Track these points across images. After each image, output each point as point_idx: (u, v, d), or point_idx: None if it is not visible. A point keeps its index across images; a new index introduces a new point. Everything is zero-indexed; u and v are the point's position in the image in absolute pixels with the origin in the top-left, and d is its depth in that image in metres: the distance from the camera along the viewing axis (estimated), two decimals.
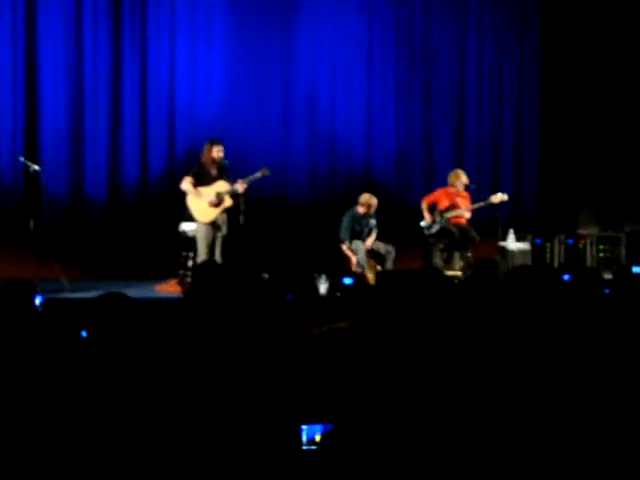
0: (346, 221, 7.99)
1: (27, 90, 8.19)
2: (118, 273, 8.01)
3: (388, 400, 2.06)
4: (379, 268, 7.82)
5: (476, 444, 1.90)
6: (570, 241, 8.87)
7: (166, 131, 8.65)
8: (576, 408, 2.10)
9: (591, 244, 8.93)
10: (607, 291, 3.80)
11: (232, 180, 7.31)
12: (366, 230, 8.00)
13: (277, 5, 8.90)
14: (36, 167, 7.10)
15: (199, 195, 7.27)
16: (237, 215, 7.29)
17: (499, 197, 8.21)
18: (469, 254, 8.14)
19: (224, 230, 7.34)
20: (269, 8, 8.85)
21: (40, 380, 2.34)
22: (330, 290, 5.67)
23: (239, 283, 3.50)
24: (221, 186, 7.30)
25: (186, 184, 7.32)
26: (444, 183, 8.44)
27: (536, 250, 8.68)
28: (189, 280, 6.95)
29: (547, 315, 2.79)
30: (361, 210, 7.97)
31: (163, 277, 7.46)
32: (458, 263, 8.20)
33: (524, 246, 8.58)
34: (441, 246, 8.23)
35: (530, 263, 8.28)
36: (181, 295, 6.77)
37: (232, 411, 2.29)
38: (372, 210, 7.97)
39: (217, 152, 7.38)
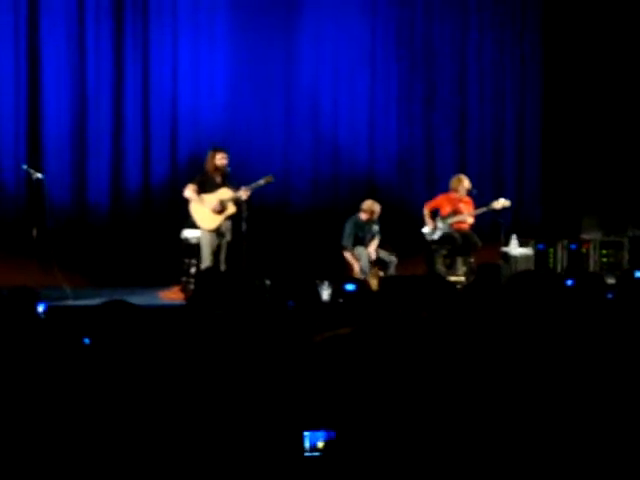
0: (349, 227, 7.99)
1: (29, 97, 8.21)
2: (121, 280, 8.01)
3: (391, 407, 2.05)
4: (382, 274, 7.82)
5: (479, 450, 1.89)
6: (573, 246, 8.86)
7: (168, 137, 8.66)
8: (580, 412, 2.09)
9: (594, 249, 8.92)
10: (610, 296, 3.79)
11: (235, 187, 7.32)
12: (369, 236, 8.00)
13: (279, 8, 8.91)
14: (39, 175, 7.12)
15: (202, 202, 7.28)
16: (240, 222, 7.30)
17: (501, 202, 8.21)
18: (472, 260, 8.13)
19: (228, 237, 7.34)
20: (271, 11, 8.86)
21: (43, 387, 2.34)
22: (333, 296, 5.67)
23: (242, 290, 3.50)
24: (224, 193, 7.30)
25: (189, 191, 7.33)
26: (446, 188, 8.43)
27: (539, 255, 8.67)
28: (192, 287, 6.96)
29: (550, 320, 2.78)
30: (364, 216, 7.97)
31: (166, 284, 7.47)
32: (461, 269, 8.19)
33: (527, 251, 8.57)
34: (444, 252, 8.22)
35: (533, 268, 8.26)
36: (184, 302, 6.77)
37: (235, 417, 2.29)
38: (375, 217, 7.97)
39: (220, 159, 7.39)
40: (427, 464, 1.82)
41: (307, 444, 2.21)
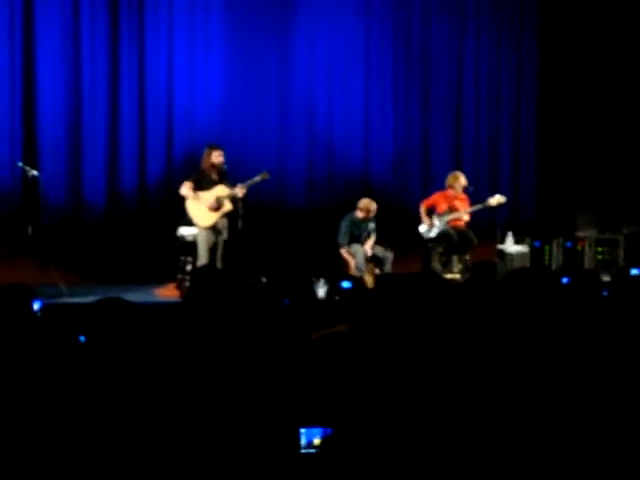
0: (344, 225, 7.99)
1: (24, 95, 8.18)
2: (117, 278, 8.00)
3: (387, 404, 2.05)
4: (378, 272, 7.82)
5: (476, 447, 1.90)
6: (568, 244, 8.87)
7: (164, 135, 8.65)
8: (575, 410, 2.10)
9: (589, 246, 8.94)
10: (605, 293, 3.80)
11: (231, 184, 7.32)
12: (365, 234, 8.00)
13: (274, 8, 8.91)
14: (34, 172, 7.10)
15: (198, 200, 7.27)
16: (235, 219, 7.30)
17: (497, 199, 8.22)
18: (468, 257, 8.14)
19: (225, 235, 7.34)
20: (266, 11, 8.86)
21: (38, 385, 2.34)
22: (329, 294, 5.67)
23: (238, 287, 3.50)
24: (220, 190, 7.30)
25: (185, 189, 7.33)
26: (442, 187, 8.44)
27: (535, 253, 8.69)
28: (187, 284, 6.96)
29: (546, 318, 2.79)
30: (360, 215, 7.97)
31: (162, 281, 7.46)
32: (457, 266, 8.20)
33: (523, 249, 8.59)
34: (440, 249, 8.23)
35: (528, 266, 8.27)
36: (179, 299, 6.77)
37: (231, 415, 2.29)
38: (371, 215, 7.98)
39: (217, 157, 7.39)
40: (424, 462, 1.82)
41: (303, 441, 2.21)
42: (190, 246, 7.37)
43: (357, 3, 9.24)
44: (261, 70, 8.89)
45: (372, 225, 8.02)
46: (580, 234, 9.22)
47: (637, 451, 1.96)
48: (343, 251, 7.96)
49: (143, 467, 2.20)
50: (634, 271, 4.61)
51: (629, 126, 9.62)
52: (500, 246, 8.47)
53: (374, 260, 7.94)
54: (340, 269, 7.90)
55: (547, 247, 8.81)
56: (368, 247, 7.95)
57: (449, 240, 8.14)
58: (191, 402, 2.33)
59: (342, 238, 7.97)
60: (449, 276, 7.71)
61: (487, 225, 8.66)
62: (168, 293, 7.16)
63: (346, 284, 4.89)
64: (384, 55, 9.36)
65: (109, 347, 2.63)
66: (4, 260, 7.47)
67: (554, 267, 8.64)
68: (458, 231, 8.17)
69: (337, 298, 5.14)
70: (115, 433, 2.22)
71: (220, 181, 7.36)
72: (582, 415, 2.08)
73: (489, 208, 8.30)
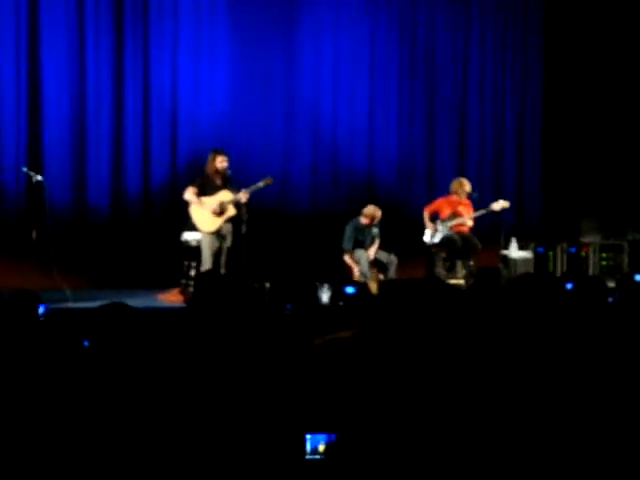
0: (349, 231, 7.99)
1: (30, 100, 8.21)
2: (120, 282, 8.01)
3: (391, 410, 2.05)
4: (382, 277, 7.82)
5: (480, 452, 1.89)
6: (573, 249, 8.86)
7: (168, 140, 8.67)
8: (580, 416, 2.09)
9: (594, 252, 8.92)
10: (611, 299, 3.79)
11: (235, 190, 7.33)
12: (369, 239, 8.00)
13: (279, 14, 8.93)
14: (39, 177, 7.12)
15: (202, 205, 7.28)
16: (239, 224, 7.30)
17: (500, 204, 8.21)
18: (471, 262, 8.13)
19: (229, 240, 7.35)
20: (271, 16, 8.88)
21: (42, 390, 2.34)
22: (332, 299, 5.67)
23: (241, 292, 3.50)
24: (224, 196, 7.31)
25: (189, 194, 7.34)
26: (446, 192, 8.44)
27: (539, 258, 8.67)
28: (191, 289, 6.96)
29: (550, 324, 2.78)
30: (365, 221, 7.98)
31: (166, 286, 7.46)
32: (461, 272, 8.19)
33: (527, 254, 8.58)
34: (443, 255, 8.22)
35: (532, 271, 8.26)
36: (183, 304, 6.77)
37: (236, 420, 2.29)
38: (376, 222, 7.98)
39: (221, 162, 7.39)
40: (428, 467, 1.82)
41: (308, 447, 2.21)
42: (194, 251, 7.37)
43: (362, 8, 9.25)
44: (266, 75, 8.90)
45: (376, 230, 8.02)
46: (584, 240, 9.21)
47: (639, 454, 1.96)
48: (347, 257, 7.95)
49: (147, 471, 2.20)
50: (639, 277, 4.60)
51: (633, 132, 9.60)
52: (504, 252, 8.47)
53: (378, 265, 7.94)
54: (344, 274, 7.90)
55: (551, 253, 8.80)
56: (372, 252, 7.95)
57: (453, 245, 8.14)
58: (195, 407, 2.32)
59: (346, 243, 7.97)
60: (453, 281, 7.70)
61: (491, 230, 8.66)
62: (172, 298, 7.17)
63: (350, 290, 4.88)
64: (389, 58, 9.36)
65: (113, 352, 2.63)
66: (9, 265, 7.48)
67: (558, 273, 8.63)
68: (462, 236, 8.17)
69: (341, 304, 5.14)
70: (119, 437, 2.21)
71: (224, 186, 7.37)
72: (588, 420, 2.08)
73: (493, 213, 8.30)
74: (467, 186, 8.28)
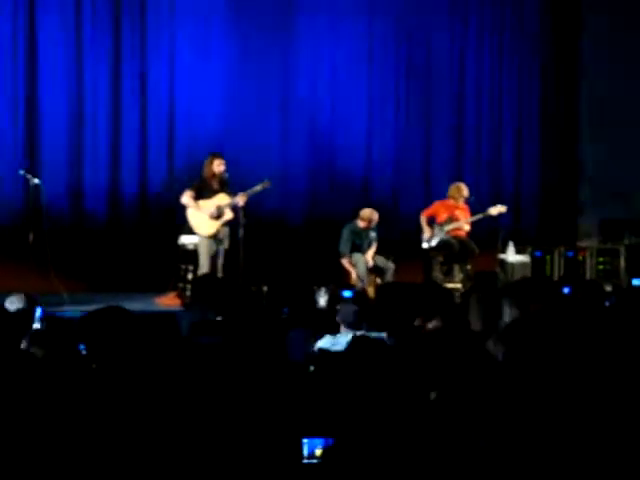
0: (346, 234, 7.98)
1: (27, 105, 8.20)
2: (117, 286, 7.99)
3: (388, 414, 2.05)
4: (379, 281, 7.81)
5: (479, 456, 1.89)
6: (570, 253, 8.86)
7: (165, 143, 8.66)
8: (578, 419, 2.09)
9: (591, 256, 8.93)
10: (608, 303, 3.79)
11: (233, 193, 7.32)
12: (366, 243, 8.00)
13: (277, 15, 8.92)
14: (36, 180, 7.11)
15: (199, 208, 7.28)
16: (237, 228, 7.29)
17: (497, 209, 8.22)
18: (469, 267, 8.13)
19: (226, 243, 7.34)
20: (268, 19, 8.87)
21: (38, 395, 2.33)
22: (330, 303, 5.67)
23: (239, 296, 3.50)
24: (221, 199, 7.31)
25: (186, 198, 7.33)
26: (443, 196, 8.43)
27: (536, 262, 8.67)
28: (188, 293, 6.96)
29: (547, 327, 2.78)
30: (362, 224, 7.97)
31: (163, 290, 7.45)
32: (458, 276, 8.19)
33: (524, 258, 8.58)
34: (441, 259, 8.22)
35: (530, 275, 8.27)
36: (180, 308, 6.76)
37: (233, 424, 2.29)
38: (373, 225, 7.97)
39: (218, 166, 7.39)
40: (425, 472, 1.81)
41: (306, 451, 2.21)
42: (191, 255, 7.36)
43: (360, 10, 9.25)
44: (263, 77, 8.90)
45: (373, 234, 8.01)
46: (581, 244, 9.21)
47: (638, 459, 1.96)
48: (344, 261, 7.94)
49: (144, 475, 2.19)
50: (635, 281, 4.60)
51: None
52: (501, 256, 8.47)
53: (375, 270, 7.93)
54: (341, 278, 7.89)
55: (548, 257, 8.80)
56: (369, 257, 7.94)
57: (450, 249, 8.14)
58: (192, 411, 2.32)
59: (343, 247, 7.96)
60: (450, 285, 7.69)
61: (488, 235, 8.65)
62: (169, 302, 7.16)
63: (347, 293, 4.88)
64: (386, 60, 9.35)
65: (109, 355, 2.63)
66: (5, 268, 7.47)
67: (555, 277, 8.63)
68: (459, 240, 8.17)
69: (338, 307, 5.14)
70: (115, 441, 2.21)
71: (221, 190, 7.36)
72: (586, 422, 2.08)
73: (490, 217, 8.30)
74: (465, 191, 8.29)
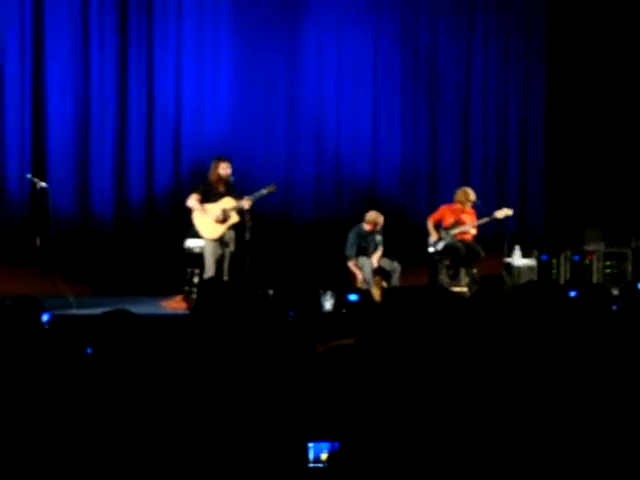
0: (352, 237, 7.99)
1: (34, 108, 8.23)
2: (124, 289, 8.01)
3: (395, 418, 2.04)
4: (385, 285, 7.81)
5: (484, 461, 1.89)
6: (576, 257, 8.84)
7: (172, 146, 8.68)
8: (584, 422, 2.09)
9: (597, 260, 8.90)
10: (615, 307, 3.78)
11: (239, 197, 7.33)
12: (372, 246, 8.00)
13: (282, 19, 8.95)
14: (43, 184, 7.13)
15: (205, 212, 7.28)
16: (243, 231, 7.30)
17: (504, 212, 8.21)
18: (475, 270, 8.12)
19: (232, 247, 7.35)
20: (275, 22, 8.90)
21: (46, 397, 2.34)
22: (336, 306, 5.66)
23: (244, 300, 3.49)
24: (227, 202, 7.32)
25: (192, 201, 7.34)
26: (449, 199, 8.43)
27: (542, 266, 8.66)
28: (194, 296, 6.96)
29: (554, 332, 2.78)
30: (367, 227, 7.97)
31: (169, 293, 7.46)
32: (464, 279, 8.18)
33: (530, 262, 8.56)
34: (447, 262, 8.22)
35: (536, 279, 8.25)
36: (186, 311, 6.77)
37: (238, 428, 2.28)
38: (378, 228, 7.98)
39: (224, 169, 7.40)
40: (432, 476, 1.81)
41: (311, 455, 2.20)
42: (197, 258, 7.37)
43: (366, 14, 9.25)
44: (269, 81, 8.92)
45: (379, 237, 8.01)
46: (588, 248, 9.19)
47: None
48: (350, 264, 7.95)
49: (150, 477, 2.19)
50: None
51: (637, 139, 9.59)
52: (507, 259, 8.46)
53: (381, 273, 7.93)
54: (347, 282, 7.89)
55: (555, 260, 8.78)
56: (375, 260, 7.94)
57: (456, 253, 8.13)
58: (198, 415, 2.32)
59: (349, 250, 7.96)
60: (456, 289, 7.69)
61: (494, 238, 8.64)
62: (175, 305, 7.17)
63: (353, 297, 4.87)
64: (392, 63, 9.35)
65: (116, 359, 2.63)
66: (12, 271, 7.49)
67: (562, 281, 8.61)
68: (465, 244, 8.16)
69: (344, 311, 5.13)
70: (122, 444, 2.21)
71: (227, 193, 7.37)
72: (592, 426, 2.07)
73: (496, 221, 8.29)
74: (472, 195, 8.28)
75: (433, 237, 8.23)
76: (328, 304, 5.80)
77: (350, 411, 2.20)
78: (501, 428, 2.02)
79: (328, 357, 2.52)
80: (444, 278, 8.14)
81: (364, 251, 7.98)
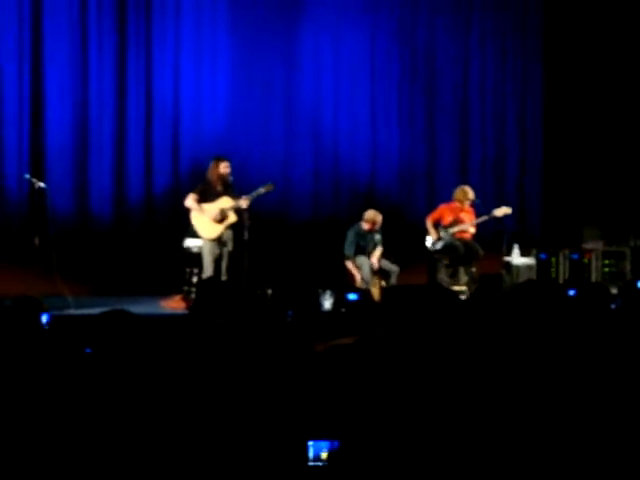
0: (350, 236, 7.99)
1: (32, 107, 8.23)
2: (123, 289, 8.01)
3: (394, 417, 2.05)
4: (383, 284, 7.81)
5: (484, 460, 1.89)
6: (575, 256, 8.85)
7: (170, 146, 8.69)
8: (584, 421, 2.09)
9: (596, 259, 8.91)
10: (613, 306, 3.78)
11: (237, 196, 7.33)
12: (371, 245, 8.00)
13: (280, 19, 8.95)
14: (41, 184, 7.13)
15: (203, 211, 7.28)
16: (241, 231, 7.30)
17: (503, 210, 8.22)
18: (474, 269, 8.13)
19: (230, 246, 7.35)
20: (272, 22, 8.91)
21: (45, 397, 2.34)
22: (335, 306, 5.66)
23: (243, 299, 3.49)
24: (225, 202, 7.32)
25: (190, 201, 7.34)
26: (447, 198, 8.43)
27: (541, 265, 8.66)
28: (193, 296, 6.96)
29: (553, 331, 2.78)
30: (366, 226, 7.98)
31: (167, 293, 7.47)
32: (463, 278, 8.19)
33: (529, 261, 8.57)
34: (446, 261, 8.22)
35: (535, 278, 8.25)
36: (185, 311, 6.77)
37: (238, 427, 2.29)
38: (377, 227, 7.98)
39: (224, 168, 7.41)
40: (431, 474, 1.81)
41: (311, 454, 2.20)
42: (196, 258, 7.37)
43: (363, 13, 9.26)
44: (266, 80, 8.93)
45: (378, 237, 8.02)
46: (587, 246, 9.19)
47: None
48: (349, 263, 7.95)
49: (149, 477, 2.19)
50: None
51: (635, 138, 9.60)
52: (506, 258, 8.46)
53: (380, 272, 7.93)
54: (346, 281, 7.89)
55: (553, 259, 8.79)
56: (374, 259, 7.94)
57: (455, 252, 8.13)
58: (197, 414, 2.32)
59: (348, 249, 7.96)
60: (455, 288, 7.69)
61: (493, 237, 8.65)
62: (174, 305, 7.17)
63: (352, 296, 4.87)
64: (390, 63, 9.36)
65: (115, 359, 2.63)
66: (11, 271, 7.49)
67: (560, 279, 8.62)
68: (464, 243, 8.17)
69: (343, 310, 5.13)
70: (122, 444, 2.21)
71: (225, 193, 7.37)
72: (591, 425, 2.07)
73: (495, 220, 8.30)
74: (470, 194, 8.29)
75: (432, 236, 8.24)
76: (327, 303, 5.81)
77: (350, 410, 2.20)
78: (501, 427, 2.02)
79: (327, 356, 2.52)
80: (443, 277, 8.14)
81: (363, 250, 7.98)
